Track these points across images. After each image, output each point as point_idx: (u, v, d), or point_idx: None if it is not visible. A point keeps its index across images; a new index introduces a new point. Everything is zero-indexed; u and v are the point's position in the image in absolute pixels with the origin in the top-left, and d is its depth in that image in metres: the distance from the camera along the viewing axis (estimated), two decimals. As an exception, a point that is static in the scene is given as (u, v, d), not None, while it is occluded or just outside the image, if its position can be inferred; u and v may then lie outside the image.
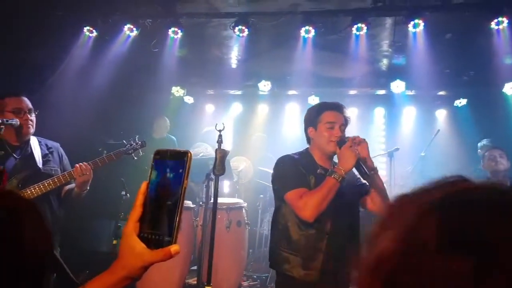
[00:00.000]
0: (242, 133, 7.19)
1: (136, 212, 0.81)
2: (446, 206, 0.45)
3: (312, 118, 2.39)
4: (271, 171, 5.65)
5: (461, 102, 6.56)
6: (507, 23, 3.96)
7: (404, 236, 0.45)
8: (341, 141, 2.23)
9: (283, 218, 2.32)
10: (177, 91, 6.96)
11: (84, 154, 3.24)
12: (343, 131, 2.32)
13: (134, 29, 4.64)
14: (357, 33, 4.36)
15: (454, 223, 0.42)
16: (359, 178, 2.44)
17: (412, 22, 4.16)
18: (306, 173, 2.27)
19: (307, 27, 4.40)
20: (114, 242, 4.41)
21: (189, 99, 7.35)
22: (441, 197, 0.46)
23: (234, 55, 6.02)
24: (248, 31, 4.55)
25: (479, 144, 5.04)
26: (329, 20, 4.55)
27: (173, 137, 6.01)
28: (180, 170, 0.78)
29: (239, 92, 7.43)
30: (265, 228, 5.43)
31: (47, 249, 0.82)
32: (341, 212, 2.26)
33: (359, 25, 4.29)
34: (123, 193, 4.50)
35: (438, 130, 5.43)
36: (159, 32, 4.77)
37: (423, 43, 4.68)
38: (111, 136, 5.06)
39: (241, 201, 4.51)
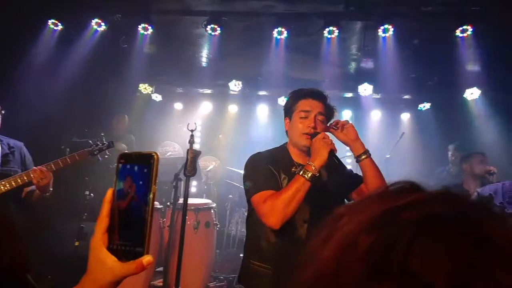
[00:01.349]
0: (212, 132, 7.14)
1: (103, 222, 0.75)
2: (382, 226, 0.41)
3: (288, 107, 2.10)
4: (241, 171, 5.67)
5: (425, 106, 6.79)
6: (471, 31, 4.12)
7: (338, 254, 0.42)
8: (316, 133, 1.92)
9: (254, 225, 2.01)
10: (145, 88, 6.81)
11: (47, 152, 3.11)
12: (321, 122, 2.00)
13: (103, 24, 4.49)
14: (329, 36, 4.42)
15: (382, 247, 0.39)
16: (349, 169, 2.16)
17: (382, 27, 4.25)
18: (278, 173, 1.96)
19: (279, 29, 4.41)
20: (77, 243, 4.25)
21: (157, 97, 7.21)
22: (378, 215, 0.43)
23: (205, 54, 5.94)
24: (220, 30, 4.50)
25: (449, 146, 5.22)
26: (302, 22, 4.58)
27: (131, 135, 5.86)
28: (147, 175, 0.72)
29: (209, 91, 7.37)
30: (233, 229, 5.41)
31: (19, 273, 0.76)
32: (321, 215, 1.82)
33: (331, 28, 4.34)
34: (87, 192, 4.35)
35: (403, 133, 5.58)
36: (129, 28, 4.64)
37: (391, 48, 4.79)
38: (75, 133, 4.89)
39: (210, 201, 4.47)
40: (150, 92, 6.92)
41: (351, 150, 1.97)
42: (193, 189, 5.93)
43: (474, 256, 0.37)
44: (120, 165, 0.76)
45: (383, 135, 6.69)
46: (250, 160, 2.05)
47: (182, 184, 3.64)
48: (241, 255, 4.71)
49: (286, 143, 2.14)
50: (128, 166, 0.75)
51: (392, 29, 4.26)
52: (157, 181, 0.74)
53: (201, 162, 5.85)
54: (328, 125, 2.01)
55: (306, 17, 4.49)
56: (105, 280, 0.74)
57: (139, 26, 4.54)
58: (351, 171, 2.16)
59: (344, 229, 0.45)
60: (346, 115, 7.32)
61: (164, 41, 5.26)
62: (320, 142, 1.84)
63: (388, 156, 5.41)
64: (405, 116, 7.18)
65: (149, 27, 4.59)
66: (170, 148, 6.40)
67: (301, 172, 1.79)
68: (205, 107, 7.47)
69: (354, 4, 4.28)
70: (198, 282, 4.08)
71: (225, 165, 6.11)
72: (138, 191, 0.73)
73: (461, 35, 4.19)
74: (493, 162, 4.29)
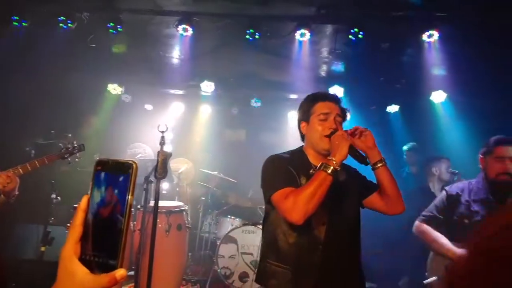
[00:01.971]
0: (183, 134, 7.06)
1: (76, 231, 0.71)
2: None
3: (304, 111, 2.11)
4: (213, 173, 5.62)
5: (393, 108, 6.95)
6: (438, 36, 4.24)
7: None
8: (333, 132, 1.95)
9: (271, 225, 2.03)
10: (114, 88, 6.66)
11: (9, 153, 2.98)
12: (338, 123, 2.03)
13: (69, 22, 4.35)
14: (301, 39, 4.45)
15: None
16: (364, 176, 2.18)
17: (352, 31, 4.32)
18: (297, 174, 1.97)
19: (251, 30, 4.41)
20: (43, 249, 4.10)
21: (126, 98, 7.06)
22: None
23: (176, 54, 5.87)
24: (192, 30, 4.46)
25: (404, 148, 5.39)
26: (274, 24, 4.59)
27: (99, 137, 5.72)
28: (125, 184, 0.70)
29: (180, 92, 7.28)
30: (206, 231, 5.36)
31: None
32: (338, 218, 1.96)
33: (303, 31, 4.38)
34: (54, 196, 4.21)
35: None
36: (97, 27, 4.51)
37: (362, 52, 4.89)
38: (41, 135, 4.72)
39: (181, 204, 4.41)
40: (119, 93, 6.78)
41: (368, 157, 1.97)
42: (164, 192, 5.83)
43: None
44: (97, 172, 0.73)
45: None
46: (270, 161, 2.06)
47: (152, 187, 3.58)
48: (214, 258, 4.75)
49: (303, 146, 2.16)
50: (105, 174, 0.72)
51: (362, 33, 4.33)
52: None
53: (173, 164, 5.77)
54: (347, 130, 2.00)
55: (278, 20, 4.51)
56: None
57: (108, 25, 4.42)
58: (365, 177, 2.18)
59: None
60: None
61: (134, 41, 5.15)
62: (339, 137, 1.87)
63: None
64: (375, 119, 7.34)
65: (118, 27, 4.48)
66: (140, 149, 6.27)
67: (322, 167, 1.80)
68: (177, 108, 7.38)
69: (326, 8, 4.33)
70: (171, 286, 4.02)
71: (197, 167, 6.05)
72: (114, 201, 0.70)
73: (427, 39, 4.31)
74: (458, 162, 4.45)
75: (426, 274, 2.73)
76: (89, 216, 0.72)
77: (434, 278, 2.64)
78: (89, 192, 0.73)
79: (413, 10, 4.27)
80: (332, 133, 1.94)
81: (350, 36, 4.37)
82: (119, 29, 4.44)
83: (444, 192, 2.85)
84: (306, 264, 1.90)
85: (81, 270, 0.69)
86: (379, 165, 1.96)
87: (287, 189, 1.85)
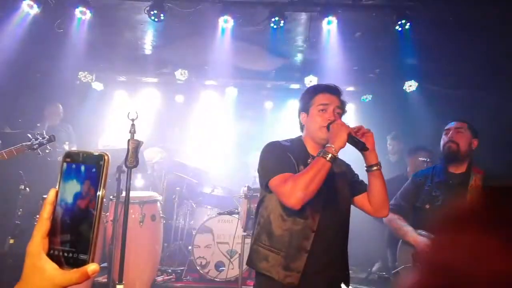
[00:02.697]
0: (157, 122, 6.93)
1: (44, 225, 0.68)
2: None
3: (304, 102, 2.14)
4: (188, 163, 5.56)
5: (367, 97, 7.04)
6: (409, 26, 4.30)
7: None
8: (331, 122, 1.97)
9: (266, 210, 2.08)
10: (84, 76, 6.47)
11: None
12: (338, 115, 2.05)
13: (35, 5, 4.17)
14: (275, 26, 4.42)
15: None
16: (356, 174, 2.24)
17: (326, 19, 4.33)
18: (296, 161, 2.01)
19: (225, 17, 4.35)
20: (11, 241, 3.97)
21: (98, 86, 6.88)
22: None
23: (148, 41, 5.74)
24: (164, 16, 4.36)
25: (388, 137, 5.48)
26: (248, 11, 4.54)
27: (69, 125, 5.56)
28: (96, 176, 0.67)
29: (154, 80, 7.13)
30: (181, 221, 5.32)
31: None
32: (332, 208, 2.02)
33: (277, 18, 4.35)
34: (22, 187, 4.07)
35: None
36: (65, 12, 4.35)
37: (336, 40, 4.90)
38: (7, 124, 4.55)
39: (155, 194, 4.35)
40: (90, 81, 6.59)
41: (364, 158, 2.00)
42: (139, 182, 5.74)
43: None
44: (66, 164, 0.70)
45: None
46: (269, 146, 2.09)
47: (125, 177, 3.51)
48: (189, 247, 4.72)
49: (301, 136, 2.19)
50: (75, 166, 0.69)
51: (336, 21, 4.34)
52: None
53: (147, 154, 5.68)
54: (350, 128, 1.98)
55: (251, 6, 4.46)
56: None
57: (76, 10, 4.27)
58: (357, 176, 2.23)
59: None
60: (292, 105, 7.42)
61: (104, 26, 5.00)
62: (338, 126, 1.90)
63: (332, 145, 5.56)
64: (349, 107, 7.40)
65: (87, 11, 4.34)
66: (111, 138, 6.15)
67: (322, 154, 1.84)
68: (150, 96, 7.22)
69: (300, -5, 4.32)
70: (145, 277, 3.98)
71: (172, 157, 5.97)
72: (85, 194, 0.67)
73: (399, 29, 4.36)
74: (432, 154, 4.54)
75: (396, 263, 2.78)
76: (57, 210, 0.69)
77: (402, 267, 2.69)
78: (57, 185, 0.70)
79: (385, -1, 4.31)
80: (330, 124, 1.97)
81: (324, 25, 4.38)
82: (88, 14, 4.29)
83: (410, 179, 2.92)
84: (297, 249, 1.95)
85: (50, 266, 0.66)
86: (374, 168, 2.00)
87: (286, 174, 1.90)
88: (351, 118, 7.12)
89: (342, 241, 2.11)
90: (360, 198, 2.15)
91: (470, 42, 4.52)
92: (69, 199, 0.68)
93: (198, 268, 4.54)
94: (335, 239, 2.04)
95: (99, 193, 0.66)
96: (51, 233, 0.68)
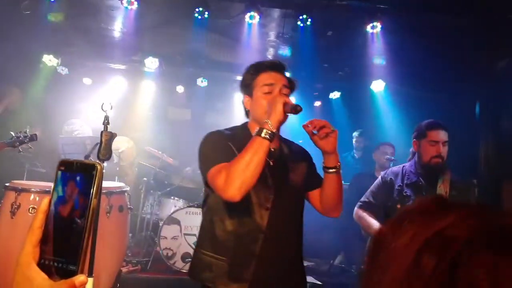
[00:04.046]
0: (125, 111, 6.78)
1: (35, 235, 0.67)
2: (440, 248, 0.45)
3: (246, 84, 1.88)
4: (155, 153, 5.49)
5: (335, 95, 7.19)
6: (380, 27, 4.43)
7: (403, 279, 0.46)
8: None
9: (209, 211, 1.85)
10: (49, 60, 6.21)
11: None
12: (286, 96, 1.80)
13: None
14: (250, 21, 4.43)
15: (449, 267, 0.43)
16: (313, 165, 2.00)
17: (301, 17, 4.38)
18: (238, 150, 1.70)
19: (201, 8, 4.31)
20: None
21: (63, 70, 6.62)
22: (432, 237, 0.47)
23: (118, 27, 5.58)
24: (137, 4, 4.26)
25: (353, 134, 5.64)
26: (223, 4, 4.52)
27: (32, 111, 5.35)
28: (88, 186, 0.67)
29: (122, 67, 6.95)
30: (148, 212, 5.27)
31: None
32: (283, 204, 1.79)
33: (252, 13, 4.36)
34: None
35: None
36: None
37: (308, 38, 4.97)
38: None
39: (123, 184, 4.28)
40: (55, 65, 6.34)
41: (324, 159, 1.77)
42: (104, 172, 5.61)
43: None
44: (60, 172, 0.69)
45: (297, 121, 6.96)
46: (208, 137, 1.84)
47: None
48: (156, 238, 4.69)
49: (247, 122, 1.94)
50: (68, 175, 0.69)
51: (310, 20, 4.40)
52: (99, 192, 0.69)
53: (114, 143, 5.52)
54: (307, 124, 1.73)
55: (227, -1, 4.46)
56: None
57: (45, -8, 4.11)
58: (315, 168, 1.99)
59: (399, 252, 0.48)
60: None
61: (72, 9, 4.82)
62: (273, 98, 1.68)
63: (301, 141, 5.65)
64: (318, 104, 7.56)
65: (57, -6, 4.18)
66: (77, 126, 5.97)
67: (257, 132, 1.61)
68: (118, 84, 7.04)
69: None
70: (111, 268, 3.92)
71: (139, 146, 5.88)
72: (77, 203, 0.67)
73: (371, 30, 4.49)
74: (395, 149, 4.74)
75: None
76: (49, 219, 0.68)
77: None
78: (51, 194, 0.69)
79: (358, 0, 4.41)
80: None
81: (298, 22, 4.43)
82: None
83: (379, 178, 2.98)
84: (244, 254, 1.73)
85: (40, 276, 0.66)
86: (332, 170, 1.77)
87: (222, 164, 1.64)
88: (318, 115, 7.28)
89: (297, 239, 1.89)
90: (312, 194, 1.93)
91: (436, 47, 4.71)
92: (61, 208, 0.68)
93: (164, 259, 4.53)
94: (289, 240, 1.83)
95: (91, 203, 0.66)
96: (42, 243, 0.68)
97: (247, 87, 1.87)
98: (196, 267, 1.84)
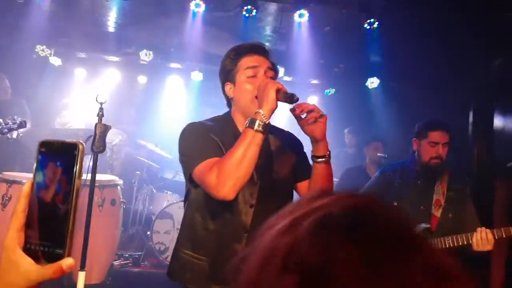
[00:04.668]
0: (118, 103, 6.71)
1: (19, 219, 0.65)
2: (289, 231, 0.47)
3: (227, 70, 1.73)
4: (149, 146, 5.45)
5: (331, 91, 7.17)
6: (377, 24, 4.42)
7: (262, 259, 0.47)
8: None
9: (190, 207, 1.73)
10: (42, 50, 6.11)
11: None
12: (272, 78, 1.68)
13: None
14: (247, 15, 4.40)
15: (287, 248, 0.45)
16: (304, 154, 1.84)
17: (298, 12, 4.36)
18: (221, 142, 1.62)
19: (197, 1, 4.27)
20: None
21: (55, 61, 6.53)
22: (289, 221, 0.49)
23: (113, 18, 5.51)
24: (133, -5, 4.21)
25: (345, 130, 5.66)
26: (220, -3, 4.49)
27: (23, 100, 5.27)
28: (71, 167, 0.65)
29: (116, 59, 6.87)
30: (139, 206, 5.23)
31: None
32: (270, 199, 1.64)
33: (249, 7, 4.32)
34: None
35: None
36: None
37: (305, 33, 4.96)
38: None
39: (116, 178, 4.24)
40: (48, 55, 6.24)
41: (312, 147, 1.64)
42: (90, 163, 5.55)
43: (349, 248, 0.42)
44: (40, 154, 0.67)
45: (292, 116, 6.94)
46: (188, 129, 1.70)
47: (86, 159, 3.40)
48: (148, 232, 4.66)
49: (230, 111, 1.81)
50: (50, 156, 0.66)
51: (308, 15, 4.38)
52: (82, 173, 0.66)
53: (107, 135, 5.50)
54: (294, 107, 1.58)
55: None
56: (18, 285, 0.64)
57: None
58: (306, 157, 1.82)
59: (267, 236, 0.50)
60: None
61: (67, 0, 4.75)
62: (264, 83, 1.54)
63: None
64: (313, 100, 7.53)
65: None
66: (70, 118, 5.90)
67: (248, 123, 1.47)
68: (111, 76, 6.96)
69: (273, -15, 4.32)
70: (103, 261, 3.90)
71: (132, 139, 5.83)
72: (60, 185, 0.65)
73: (368, 27, 4.47)
74: (389, 146, 4.74)
75: None
76: (33, 202, 0.66)
77: None
78: (32, 176, 0.67)
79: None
80: None
81: (296, 17, 4.41)
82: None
83: (378, 172, 2.97)
84: (226, 255, 1.59)
85: (26, 261, 0.64)
86: (321, 160, 1.63)
87: (210, 160, 1.52)
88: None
89: None
90: (301, 185, 1.80)
91: (431, 45, 4.72)
92: (44, 191, 0.66)
93: (156, 253, 4.51)
94: None
95: (74, 184, 0.65)
96: (27, 227, 0.66)
97: (228, 73, 1.73)
98: (175, 267, 1.73)
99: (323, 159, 1.63)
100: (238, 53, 1.72)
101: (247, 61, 1.69)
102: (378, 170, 3.02)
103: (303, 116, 1.57)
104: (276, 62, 1.80)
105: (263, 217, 1.54)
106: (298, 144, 1.88)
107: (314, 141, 1.62)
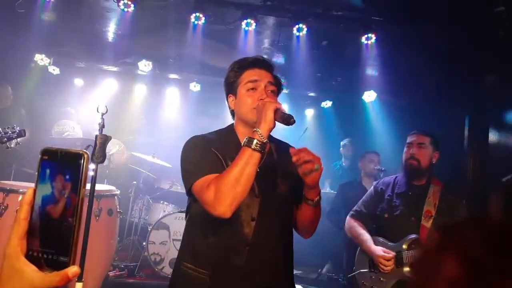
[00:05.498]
0: (116, 113, 6.72)
1: (21, 226, 0.65)
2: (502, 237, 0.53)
3: (230, 82, 1.77)
4: (146, 157, 5.45)
5: (327, 104, 7.23)
6: (375, 39, 4.48)
7: (468, 261, 0.52)
8: None
9: (191, 221, 1.75)
10: (41, 59, 6.14)
11: None
12: (272, 94, 1.70)
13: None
14: (247, 28, 4.45)
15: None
16: (299, 181, 1.69)
17: (297, 26, 4.41)
18: (224, 158, 1.63)
19: (197, 14, 4.32)
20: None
21: (54, 70, 6.55)
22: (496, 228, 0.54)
23: (112, 29, 5.55)
24: (134, 7, 4.25)
25: (341, 143, 5.69)
26: (220, 10, 4.54)
27: (22, 109, 5.28)
28: (75, 176, 0.65)
29: (114, 69, 6.90)
30: (135, 216, 5.21)
31: None
32: (271, 214, 1.66)
33: (249, 20, 4.37)
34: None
35: (306, 128, 5.93)
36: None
37: (303, 47, 5.01)
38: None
39: (113, 188, 4.23)
40: (47, 64, 6.27)
41: (305, 187, 1.64)
42: (91, 173, 5.54)
43: None
44: (43, 162, 0.67)
45: (288, 128, 6.96)
46: (191, 143, 1.72)
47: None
48: (144, 243, 4.64)
49: (233, 124, 1.83)
50: (53, 164, 0.67)
51: (306, 29, 4.44)
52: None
53: (104, 145, 5.50)
54: (294, 152, 1.55)
55: (225, 6, 4.46)
56: None
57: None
58: (300, 183, 1.68)
59: (466, 239, 0.56)
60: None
61: (68, 10, 4.79)
62: (263, 103, 1.56)
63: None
64: (309, 112, 7.60)
65: (52, -6, 4.15)
66: (68, 127, 5.91)
67: (246, 142, 1.49)
68: (109, 86, 6.98)
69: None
70: (98, 272, 3.86)
71: (130, 149, 5.83)
72: (64, 193, 0.65)
73: (365, 42, 4.53)
74: (385, 159, 4.78)
75: (354, 267, 2.90)
76: (35, 210, 0.66)
77: (358, 271, 2.81)
78: (34, 184, 0.67)
79: (354, 11, 4.47)
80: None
81: (294, 31, 4.46)
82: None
83: (372, 187, 3.02)
84: (227, 268, 1.60)
85: (29, 268, 0.64)
86: (310, 202, 1.66)
87: (209, 176, 1.53)
88: (311, 122, 7.32)
89: (285, 254, 1.73)
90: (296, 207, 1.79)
91: (427, 60, 4.78)
92: (48, 199, 0.66)
93: (152, 264, 4.48)
94: (276, 253, 1.68)
95: (79, 192, 0.65)
96: (30, 234, 0.66)
97: (231, 85, 1.77)
98: (176, 280, 1.72)
99: (312, 202, 1.66)
100: (241, 66, 1.76)
101: (248, 75, 1.72)
102: (372, 184, 3.06)
103: (298, 163, 1.54)
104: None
105: (265, 230, 1.50)
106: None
107: (310, 187, 1.62)
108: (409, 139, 2.81)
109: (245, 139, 1.51)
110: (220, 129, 1.85)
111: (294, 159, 1.54)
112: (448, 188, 2.74)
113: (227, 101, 1.83)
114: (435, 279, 0.55)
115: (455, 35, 4.40)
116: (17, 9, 4.27)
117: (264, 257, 1.64)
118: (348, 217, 2.98)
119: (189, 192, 1.63)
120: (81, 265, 2.38)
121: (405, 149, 2.81)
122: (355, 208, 2.97)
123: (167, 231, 4.57)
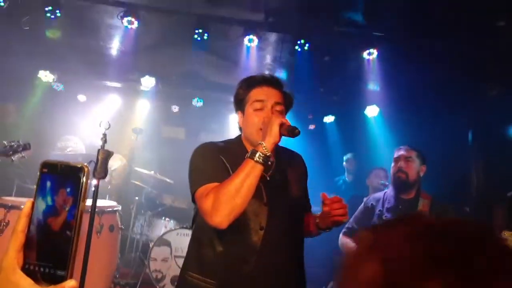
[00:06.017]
0: (119, 129, 6.74)
1: (18, 239, 0.64)
2: (430, 235, 0.52)
3: (239, 99, 1.76)
4: (148, 172, 5.44)
5: (330, 118, 7.23)
6: (376, 55, 4.51)
7: (391, 262, 0.51)
8: None
9: (197, 229, 1.72)
10: (45, 76, 6.20)
11: None
12: (279, 113, 1.68)
13: (1, 0, 3.99)
14: (249, 44, 4.48)
15: (437, 250, 0.49)
16: (306, 184, 1.90)
17: (299, 42, 4.45)
18: (230, 165, 1.62)
19: (200, 30, 4.36)
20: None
21: (58, 86, 6.61)
22: (424, 227, 0.54)
23: (116, 46, 5.61)
24: (137, 23, 4.30)
25: (344, 157, 5.67)
26: (222, 26, 4.58)
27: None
28: (75, 189, 0.65)
29: (118, 85, 6.97)
30: (137, 232, 5.17)
31: None
32: (280, 222, 1.64)
33: (251, 36, 4.41)
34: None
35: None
36: (33, 9, 4.19)
37: (304, 62, 5.04)
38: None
39: (115, 203, 4.22)
40: (50, 81, 6.33)
41: (321, 219, 1.68)
42: (93, 189, 5.53)
43: None
44: (42, 175, 0.66)
45: (290, 143, 6.97)
46: (200, 149, 1.71)
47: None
48: (145, 260, 4.58)
49: (241, 135, 1.84)
50: (53, 177, 0.66)
51: (308, 45, 4.47)
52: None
53: (106, 160, 5.51)
54: (326, 200, 1.61)
55: (226, 22, 4.51)
56: None
57: (45, 8, 4.13)
58: (306, 193, 1.88)
59: (390, 240, 0.56)
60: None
61: (72, 27, 4.85)
62: (269, 118, 1.57)
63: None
64: (311, 127, 7.60)
65: (57, 11, 4.20)
66: (71, 143, 5.93)
67: (249, 154, 1.49)
68: (113, 102, 7.04)
69: (274, 16, 4.41)
70: (98, 289, 3.83)
71: (132, 165, 5.83)
72: (64, 207, 0.64)
73: (367, 57, 4.56)
74: (388, 174, 4.75)
75: None
76: (33, 222, 0.65)
77: None
78: (33, 196, 0.66)
79: (356, 27, 4.50)
80: None
81: (296, 47, 4.49)
82: (57, 13, 4.15)
83: (362, 204, 3.04)
84: (235, 278, 1.57)
85: (26, 282, 0.63)
86: (321, 231, 1.74)
87: (210, 184, 1.52)
88: (314, 137, 7.31)
89: (295, 263, 1.71)
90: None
91: (430, 74, 4.80)
92: (46, 212, 0.65)
93: (153, 281, 4.42)
94: (286, 261, 1.65)
95: (79, 206, 0.64)
96: (27, 247, 0.65)
97: (239, 102, 1.77)
98: None
99: (324, 230, 1.72)
100: (249, 84, 1.75)
101: (256, 94, 1.71)
102: (363, 202, 3.07)
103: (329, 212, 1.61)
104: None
105: (273, 239, 1.49)
106: (305, 168, 1.91)
107: (326, 224, 1.67)
108: (396, 154, 2.86)
109: (250, 151, 1.52)
110: (230, 139, 1.85)
111: (325, 209, 1.58)
112: (436, 201, 2.77)
113: (238, 118, 1.84)
114: (353, 279, 0.55)
115: (458, 49, 4.42)
116: (23, 26, 4.33)
117: (273, 266, 1.60)
118: (341, 234, 2.99)
119: (193, 199, 1.61)
120: (82, 282, 2.34)
121: (392, 164, 2.87)
122: (347, 225, 2.96)
123: (168, 248, 4.52)
